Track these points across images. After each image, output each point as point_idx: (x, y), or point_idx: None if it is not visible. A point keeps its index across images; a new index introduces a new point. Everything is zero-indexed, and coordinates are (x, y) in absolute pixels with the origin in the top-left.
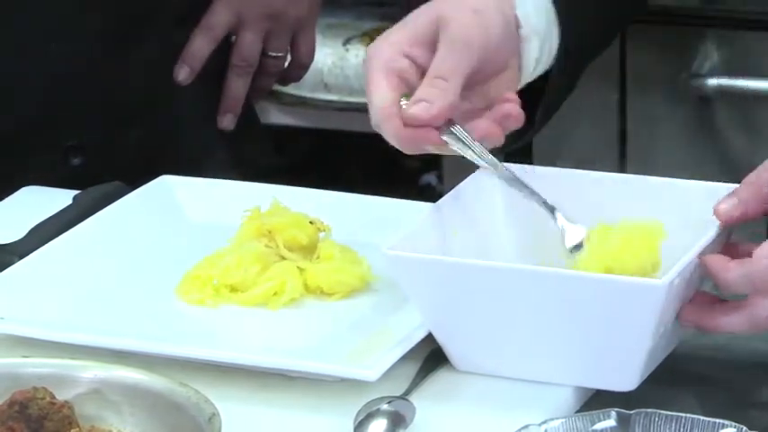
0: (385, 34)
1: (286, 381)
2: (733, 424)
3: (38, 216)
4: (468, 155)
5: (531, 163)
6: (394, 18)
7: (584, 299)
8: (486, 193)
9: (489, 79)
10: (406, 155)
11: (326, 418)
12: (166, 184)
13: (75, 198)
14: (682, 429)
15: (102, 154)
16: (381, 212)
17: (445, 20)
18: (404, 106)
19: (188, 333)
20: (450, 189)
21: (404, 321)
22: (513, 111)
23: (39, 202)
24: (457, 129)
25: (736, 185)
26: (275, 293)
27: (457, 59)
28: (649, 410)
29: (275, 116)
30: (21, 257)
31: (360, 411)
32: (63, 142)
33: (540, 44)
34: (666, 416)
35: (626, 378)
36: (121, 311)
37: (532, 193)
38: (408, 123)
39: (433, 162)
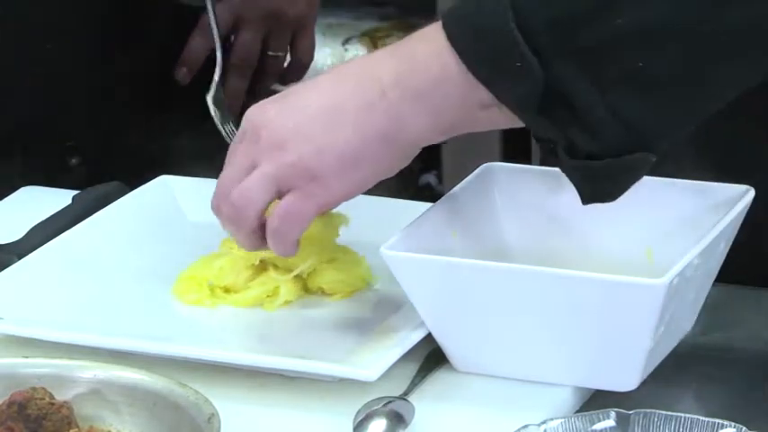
0: None
1: (285, 381)
2: (732, 424)
3: (37, 216)
4: None
5: (530, 163)
6: (392, 18)
7: (583, 299)
8: (485, 193)
9: None
10: None
11: (326, 418)
12: (166, 184)
13: (74, 198)
14: (681, 429)
15: (101, 154)
16: (381, 212)
17: None
18: None
19: (187, 333)
20: (450, 189)
21: (403, 321)
22: None
23: (38, 202)
24: None
25: (737, 186)
26: (269, 296)
27: None
28: (648, 410)
29: None
30: (20, 257)
31: (359, 411)
32: (62, 142)
33: None
34: (666, 416)
35: (625, 378)
36: (121, 311)
37: None
38: None
39: (432, 162)
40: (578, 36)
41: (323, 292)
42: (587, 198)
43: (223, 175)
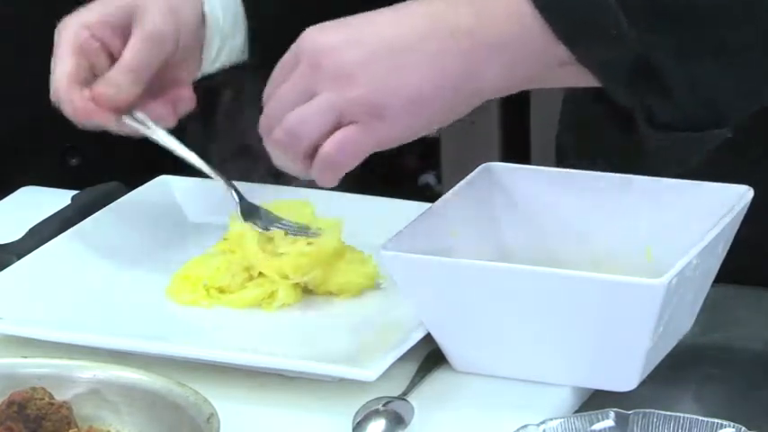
0: (76, 14)
1: (285, 381)
2: (732, 424)
3: (36, 216)
4: (150, 135)
5: (530, 163)
6: None
7: (583, 299)
8: (485, 192)
9: (172, 68)
10: (404, 155)
11: (325, 418)
12: (165, 184)
13: (73, 198)
14: (680, 429)
15: (102, 154)
16: (380, 212)
17: (140, 12)
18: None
19: (187, 333)
20: (449, 189)
21: (403, 321)
22: (186, 95)
23: (37, 202)
24: (138, 114)
25: (737, 186)
26: (264, 298)
27: (149, 54)
28: (647, 410)
29: None
30: (19, 257)
31: (358, 411)
32: (62, 142)
33: (221, 43)
34: (665, 416)
35: (625, 378)
36: (120, 311)
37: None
38: (95, 101)
39: (432, 162)
40: (668, 5)
41: (331, 293)
42: (661, 166)
43: (275, 96)
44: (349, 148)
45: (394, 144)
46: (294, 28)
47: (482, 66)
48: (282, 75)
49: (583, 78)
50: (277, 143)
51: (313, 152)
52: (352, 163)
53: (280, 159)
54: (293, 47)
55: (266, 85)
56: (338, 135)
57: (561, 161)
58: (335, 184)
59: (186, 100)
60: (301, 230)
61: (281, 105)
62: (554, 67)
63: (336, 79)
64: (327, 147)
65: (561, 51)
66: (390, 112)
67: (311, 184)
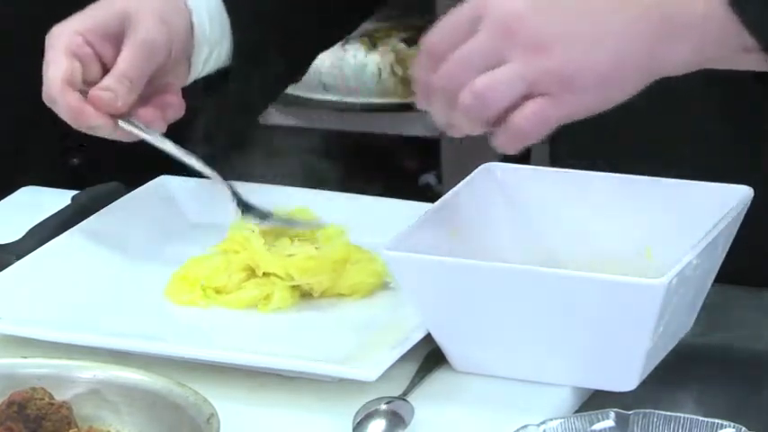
0: (69, 20)
1: (285, 381)
2: (732, 424)
3: (36, 216)
4: (146, 138)
5: (529, 163)
6: (393, 19)
7: (583, 299)
8: (485, 193)
9: (162, 75)
10: (405, 155)
11: (325, 418)
12: (165, 185)
13: (73, 198)
14: (680, 429)
15: (102, 154)
16: (381, 212)
17: (133, 21)
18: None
19: (187, 333)
20: (450, 189)
21: (403, 321)
22: (175, 101)
23: (37, 202)
24: (133, 119)
25: (737, 186)
26: (261, 299)
27: (143, 63)
28: (648, 411)
29: (274, 116)
30: (19, 257)
31: (358, 412)
32: (62, 142)
33: (209, 51)
34: (665, 416)
35: (625, 378)
36: (120, 312)
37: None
38: (91, 103)
39: (432, 162)
40: None
41: (341, 296)
42: None
43: (458, 56)
44: (539, 121)
45: (579, 117)
46: (278, 36)
47: (666, 46)
48: (457, 27)
49: (766, 65)
50: (462, 107)
51: (496, 118)
52: (541, 135)
53: (443, 116)
54: (474, 1)
55: (432, 32)
56: (530, 107)
57: (560, 161)
58: (518, 150)
59: (175, 106)
60: (299, 225)
61: (466, 67)
62: (738, 52)
63: (530, 49)
64: (518, 118)
65: (747, 38)
66: (580, 85)
67: (309, 184)
